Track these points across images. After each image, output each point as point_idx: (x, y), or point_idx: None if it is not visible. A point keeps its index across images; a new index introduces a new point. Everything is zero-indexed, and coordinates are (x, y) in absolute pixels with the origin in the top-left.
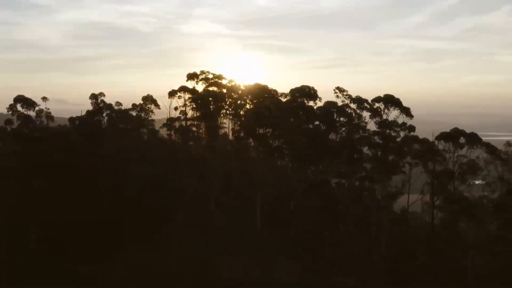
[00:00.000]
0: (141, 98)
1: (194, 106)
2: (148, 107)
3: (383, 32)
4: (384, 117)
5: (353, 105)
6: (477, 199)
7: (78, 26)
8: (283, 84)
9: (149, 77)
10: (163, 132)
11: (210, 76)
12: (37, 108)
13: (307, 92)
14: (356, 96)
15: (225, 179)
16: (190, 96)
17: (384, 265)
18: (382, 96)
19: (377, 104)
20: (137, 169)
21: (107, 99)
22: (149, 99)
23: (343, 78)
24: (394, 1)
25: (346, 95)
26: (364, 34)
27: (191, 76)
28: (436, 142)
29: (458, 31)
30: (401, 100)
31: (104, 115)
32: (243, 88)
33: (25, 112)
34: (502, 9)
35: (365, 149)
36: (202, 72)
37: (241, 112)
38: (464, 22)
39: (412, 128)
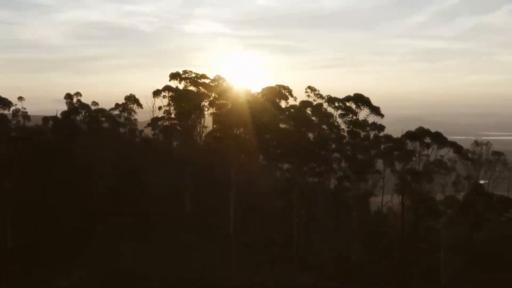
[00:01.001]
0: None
1: (173, 106)
2: (130, 107)
3: (384, 32)
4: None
5: (326, 105)
6: (444, 199)
7: (79, 26)
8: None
9: (150, 77)
10: (148, 131)
11: (193, 75)
12: (13, 108)
13: (279, 92)
14: (327, 96)
15: (200, 179)
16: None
17: (359, 266)
18: (352, 95)
19: (348, 104)
20: (108, 168)
21: (110, 99)
22: (131, 99)
23: (343, 78)
24: (394, 1)
25: (317, 94)
26: (364, 34)
27: (174, 76)
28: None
29: (459, 31)
30: (403, 98)
31: (80, 115)
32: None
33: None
34: (503, 9)
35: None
36: (185, 72)
37: (215, 111)
38: (464, 22)
39: (381, 128)
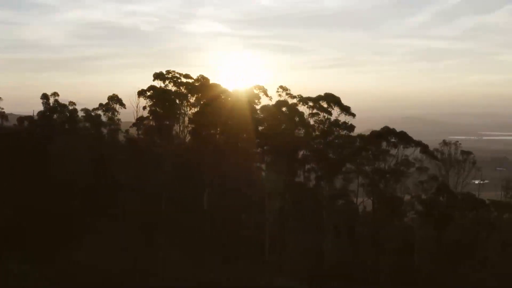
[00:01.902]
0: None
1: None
2: (113, 107)
3: (385, 32)
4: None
5: (300, 104)
6: (410, 199)
7: (80, 25)
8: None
9: (151, 77)
10: (134, 131)
11: (176, 75)
12: None
13: (251, 92)
14: (298, 95)
15: (176, 179)
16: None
17: (332, 266)
18: (323, 94)
19: (321, 103)
20: (83, 168)
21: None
22: (114, 99)
23: (344, 78)
24: (395, 1)
25: (288, 93)
26: (365, 34)
27: (158, 76)
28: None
29: (460, 31)
30: (404, 98)
31: (56, 115)
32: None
33: None
34: (504, 8)
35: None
36: (168, 72)
37: (192, 111)
38: (466, 21)
39: (352, 128)
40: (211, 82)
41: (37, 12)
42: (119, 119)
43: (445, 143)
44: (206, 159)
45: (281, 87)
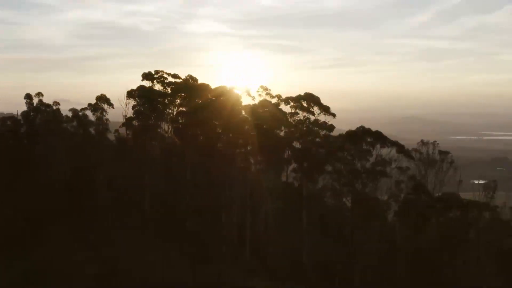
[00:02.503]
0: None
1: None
2: (101, 107)
3: (385, 32)
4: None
5: (284, 104)
6: (386, 199)
7: (81, 25)
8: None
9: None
10: (123, 132)
11: (165, 75)
12: None
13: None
14: (277, 95)
15: (160, 179)
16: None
17: (309, 268)
18: (302, 94)
19: (301, 103)
20: (64, 167)
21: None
22: (102, 99)
23: (344, 78)
24: (396, 1)
25: (267, 93)
26: (366, 33)
27: (146, 76)
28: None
29: (461, 31)
30: (405, 98)
31: (39, 115)
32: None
33: None
34: (505, 8)
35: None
36: (157, 72)
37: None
38: (466, 21)
39: (331, 128)
40: (199, 82)
41: (38, 12)
42: (107, 119)
43: (423, 142)
44: (188, 159)
45: (261, 87)
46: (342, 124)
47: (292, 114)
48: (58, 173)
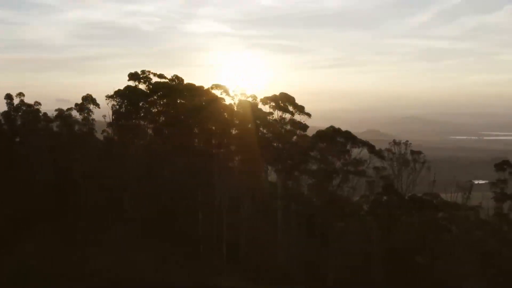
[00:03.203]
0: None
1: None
2: (88, 107)
3: (386, 32)
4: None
5: (262, 105)
6: (358, 199)
7: (81, 25)
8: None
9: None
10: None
11: (151, 75)
12: None
13: (203, 91)
14: (251, 95)
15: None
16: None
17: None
18: (277, 94)
19: (279, 103)
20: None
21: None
22: (88, 99)
23: (345, 78)
24: (396, 1)
25: (242, 93)
26: (366, 33)
27: (132, 76)
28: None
29: (461, 31)
30: (405, 98)
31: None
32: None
33: None
34: (505, 8)
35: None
36: (143, 72)
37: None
38: (466, 21)
39: (305, 127)
40: (186, 82)
41: (38, 12)
42: (93, 119)
43: (395, 142)
44: (167, 159)
45: (237, 87)
46: (342, 124)
47: (267, 114)
48: (41, 173)
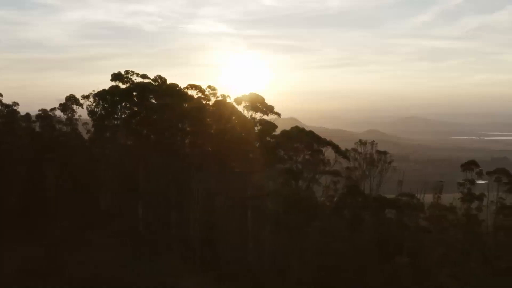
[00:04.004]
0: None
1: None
2: (71, 107)
3: (389, 32)
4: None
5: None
6: (323, 199)
7: (83, 25)
8: (286, 84)
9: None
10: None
11: (134, 76)
12: None
13: (177, 91)
14: (221, 95)
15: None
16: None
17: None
18: (247, 94)
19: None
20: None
21: None
22: (71, 99)
23: (348, 77)
24: (399, 1)
25: (212, 93)
26: (369, 33)
27: (116, 76)
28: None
29: (464, 31)
30: (407, 98)
31: None
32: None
33: None
34: (507, 8)
35: None
36: (127, 72)
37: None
38: (469, 21)
39: (274, 127)
40: (169, 82)
41: (40, 12)
42: (76, 119)
43: (361, 142)
44: (141, 158)
45: (209, 86)
46: (343, 124)
47: (240, 114)
48: (16, 173)
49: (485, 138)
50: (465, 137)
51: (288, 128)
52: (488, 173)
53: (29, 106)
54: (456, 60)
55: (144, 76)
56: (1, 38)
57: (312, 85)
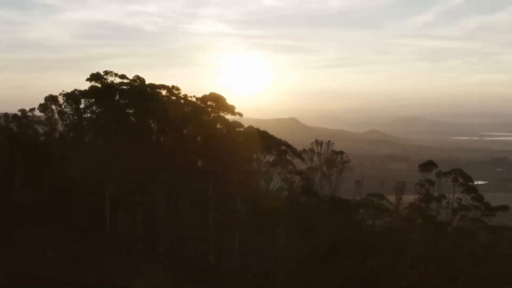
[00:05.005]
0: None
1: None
2: (50, 107)
3: (389, 32)
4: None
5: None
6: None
7: (84, 25)
8: (286, 84)
9: (155, 77)
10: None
11: (113, 76)
12: None
13: (144, 92)
14: (183, 95)
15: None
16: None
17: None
18: (208, 94)
19: (211, 103)
20: None
21: None
22: (50, 99)
23: (348, 77)
24: (400, 1)
25: (174, 94)
26: (369, 33)
27: (94, 77)
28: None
29: (464, 31)
30: (407, 98)
31: None
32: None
33: None
34: (507, 8)
35: None
36: (106, 72)
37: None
38: (470, 21)
39: (236, 126)
40: (148, 82)
41: (40, 12)
42: (56, 119)
43: (317, 142)
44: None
45: (173, 86)
46: (343, 124)
47: (200, 114)
48: None
49: (485, 138)
50: (465, 138)
51: (288, 128)
52: (444, 173)
53: (29, 106)
54: (456, 60)
55: (122, 76)
56: (1, 38)
57: (312, 85)
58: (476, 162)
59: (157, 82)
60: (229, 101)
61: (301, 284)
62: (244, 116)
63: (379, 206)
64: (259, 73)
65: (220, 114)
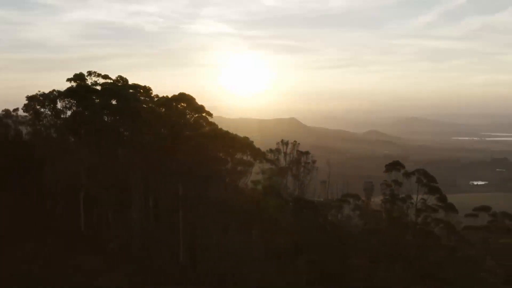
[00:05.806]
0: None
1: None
2: (33, 107)
3: (390, 32)
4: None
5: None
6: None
7: (85, 26)
8: (287, 84)
9: (155, 76)
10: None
11: (96, 77)
12: None
13: (117, 92)
14: (155, 95)
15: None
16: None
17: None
18: (177, 94)
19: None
20: None
21: None
22: (33, 99)
23: (350, 78)
24: (402, 1)
25: (146, 94)
26: (371, 34)
27: (76, 77)
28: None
29: (466, 31)
30: (408, 99)
31: None
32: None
33: None
34: (509, 9)
35: None
36: (89, 73)
37: None
38: (471, 22)
39: (202, 127)
40: (131, 83)
41: (41, 12)
42: (40, 119)
43: (283, 142)
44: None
45: (145, 87)
46: (344, 125)
47: (168, 115)
48: None
49: (486, 138)
50: (466, 138)
51: (288, 128)
52: (408, 174)
53: None
54: (457, 60)
55: (105, 77)
56: (2, 38)
57: (313, 86)
58: (476, 162)
59: (157, 82)
60: (229, 101)
61: (264, 283)
62: (244, 116)
63: (341, 206)
64: (260, 73)
65: (190, 114)
